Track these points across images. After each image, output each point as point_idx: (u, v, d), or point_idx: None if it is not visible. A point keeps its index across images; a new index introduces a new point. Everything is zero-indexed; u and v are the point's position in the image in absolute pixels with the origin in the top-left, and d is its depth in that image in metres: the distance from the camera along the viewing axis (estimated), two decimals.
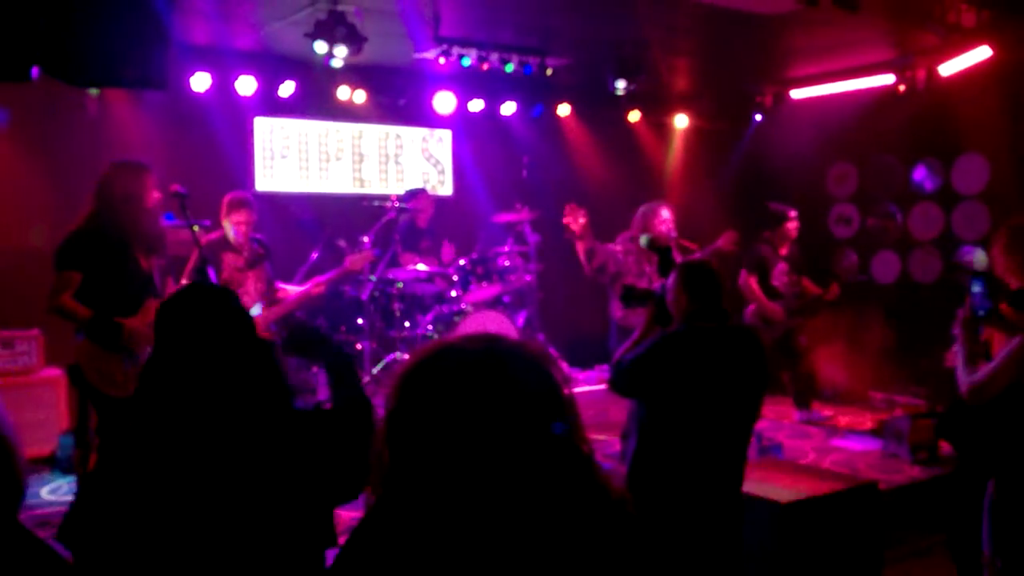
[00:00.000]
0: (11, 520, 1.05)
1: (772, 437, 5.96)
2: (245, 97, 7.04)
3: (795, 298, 6.79)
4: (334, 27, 5.61)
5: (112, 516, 1.78)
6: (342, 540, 1.45)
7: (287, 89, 7.14)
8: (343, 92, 7.36)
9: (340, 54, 5.73)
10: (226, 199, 5.65)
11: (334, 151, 7.96)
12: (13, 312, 5.68)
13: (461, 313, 6.59)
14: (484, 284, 6.90)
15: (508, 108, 8.26)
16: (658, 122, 9.18)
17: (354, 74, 7.16)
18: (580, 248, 5.86)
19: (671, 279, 3.38)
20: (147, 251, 4.47)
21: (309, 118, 7.73)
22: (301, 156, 7.78)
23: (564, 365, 7.44)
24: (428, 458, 1.28)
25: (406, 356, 6.52)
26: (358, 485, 2.02)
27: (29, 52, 4.02)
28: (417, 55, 6.86)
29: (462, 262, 6.88)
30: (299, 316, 6.80)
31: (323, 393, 6.66)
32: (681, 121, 9.13)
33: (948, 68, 6.94)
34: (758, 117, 8.58)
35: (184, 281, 5.33)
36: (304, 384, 6.59)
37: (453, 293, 6.76)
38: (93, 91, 6.40)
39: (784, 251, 6.85)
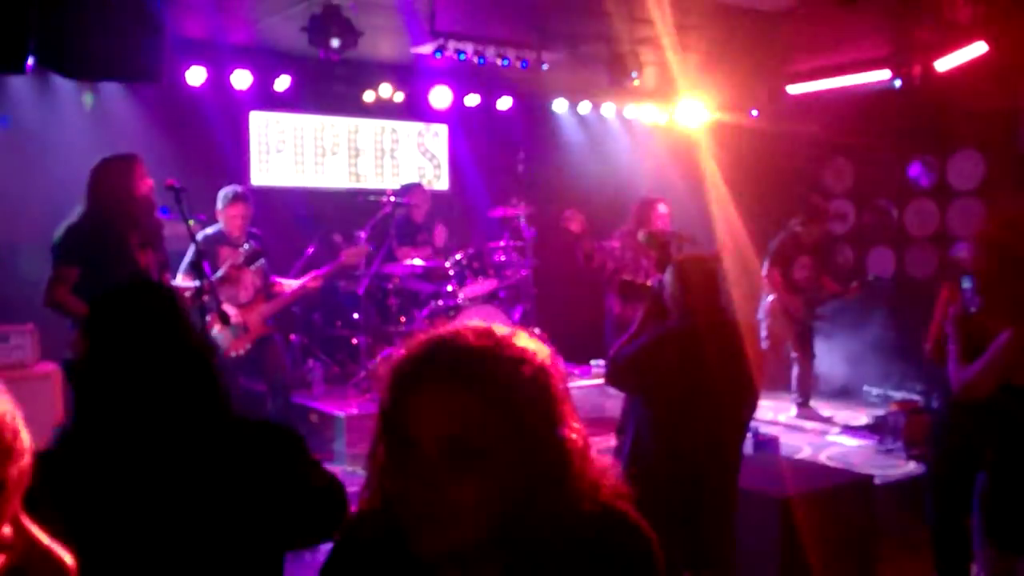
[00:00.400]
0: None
1: (768, 432, 5.97)
2: (240, 91, 7.01)
3: (815, 293, 6.77)
4: (330, 21, 5.59)
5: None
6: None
7: (282, 83, 7.12)
8: (339, 87, 7.35)
9: (335, 48, 5.72)
10: (222, 193, 5.65)
11: (330, 146, 7.95)
12: (7, 306, 5.67)
13: (457, 308, 6.58)
14: (480, 279, 6.90)
15: (504, 103, 8.24)
16: (655, 117, 9.17)
17: (350, 69, 7.15)
18: (579, 250, 5.86)
19: (668, 274, 3.38)
20: (143, 243, 4.46)
21: (305, 112, 7.71)
22: (297, 150, 7.76)
23: (560, 360, 7.42)
24: (411, 448, 1.27)
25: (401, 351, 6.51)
26: (315, 523, 1.80)
27: (24, 44, 4.01)
28: (413, 50, 6.85)
29: (458, 256, 6.87)
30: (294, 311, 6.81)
31: (318, 389, 6.67)
32: (678, 116, 9.12)
33: (944, 64, 6.94)
34: (755, 113, 8.58)
35: (181, 276, 5.32)
36: (300, 380, 6.60)
37: (449, 288, 6.75)
38: (87, 100, 6.39)
39: (808, 244, 6.82)
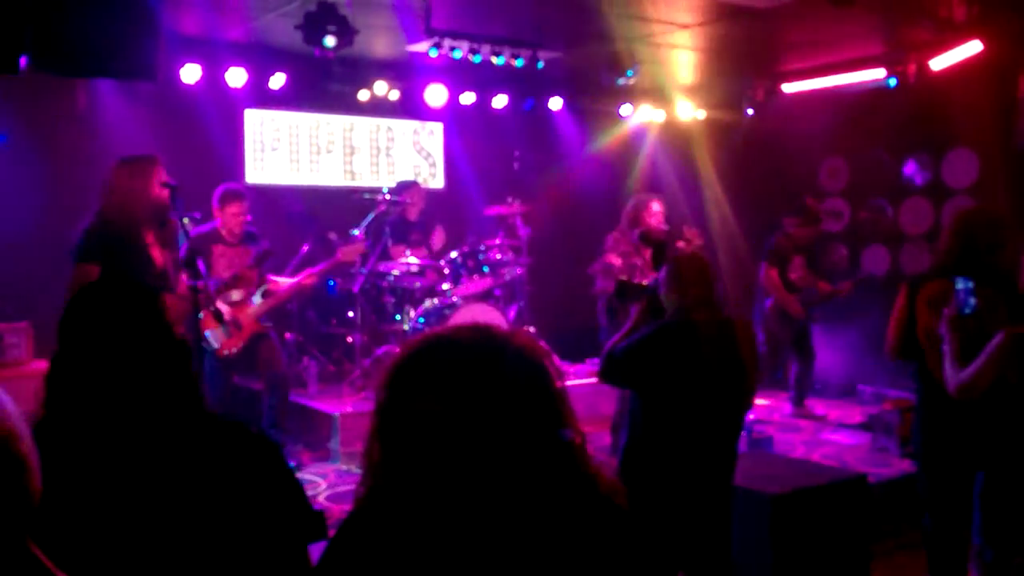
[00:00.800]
0: (20, 542, 1.03)
1: (762, 430, 5.98)
2: (235, 89, 7.00)
3: (810, 292, 6.79)
4: (325, 19, 5.58)
5: None
6: (332, 533, 1.45)
7: (278, 81, 7.11)
8: (334, 85, 7.34)
9: (331, 45, 5.71)
10: (219, 191, 5.64)
11: (325, 144, 7.94)
12: (2, 305, 5.66)
13: (452, 306, 6.58)
14: (475, 277, 6.89)
15: (500, 101, 8.24)
16: (650, 116, 9.18)
17: (345, 67, 7.14)
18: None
19: (663, 272, 3.39)
20: (159, 243, 4.55)
21: (300, 110, 7.70)
22: (292, 148, 7.75)
23: (555, 358, 7.43)
24: (418, 450, 1.28)
25: (397, 349, 6.52)
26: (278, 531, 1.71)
27: (17, 43, 3.99)
28: (409, 47, 6.84)
29: (453, 254, 6.87)
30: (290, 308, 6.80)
31: (313, 387, 6.67)
32: (674, 115, 9.13)
33: (939, 63, 6.95)
34: (750, 111, 8.58)
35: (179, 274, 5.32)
36: (296, 378, 6.59)
37: (444, 286, 6.75)
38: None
39: (800, 244, 6.84)
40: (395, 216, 6.96)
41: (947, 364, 3.10)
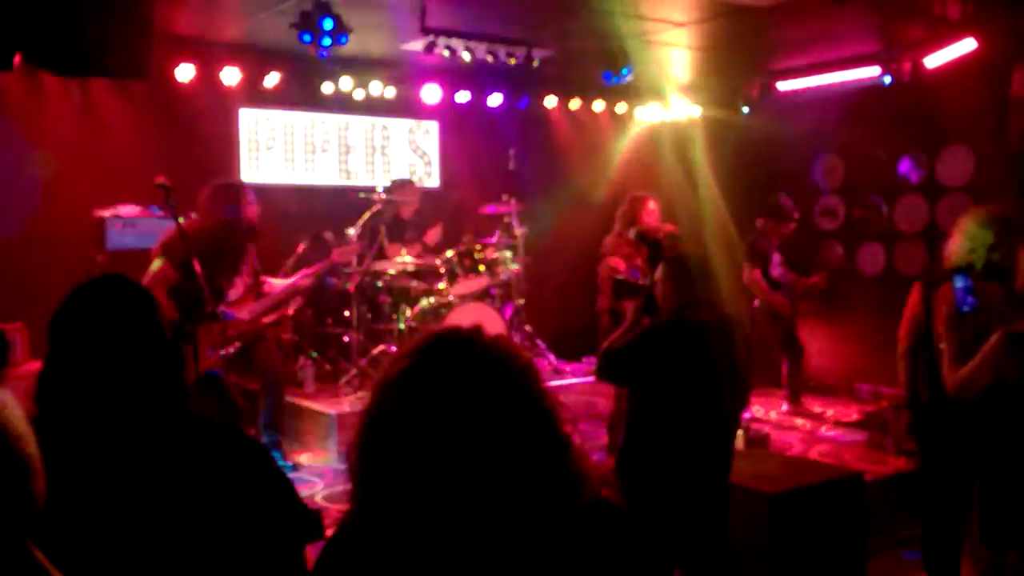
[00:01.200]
0: (21, 543, 1.02)
1: (759, 428, 5.99)
2: (230, 88, 6.99)
3: (793, 288, 6.81)
4: (320, 18, 5.57)
5: None
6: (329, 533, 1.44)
7: (272, 80, 7.10)
8: (329, 84, 7.33)
9: (325, 44, 5.69)
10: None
11: (320, 142, 7.92)
12: None
13: (448, 306, 6.57)
14: (471, 276, 6.89)
15: (495, 100, 8.23)
16: (645, 114, 9.18)
17: (340, 65, 7.12)
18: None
19: (659, 271, 3.39)
20: (240, 264, 5.02)
21: (295, 109, 7.68)
22: (287, 147, 7.73)
23: (552, 357, 7.45)
24: (409, 459, 1.26)
25: (393, 348, 6.51)
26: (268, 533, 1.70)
27: (11, 40, 3.98)
28: (403, 46, 6.83)
29: (449, 253, 6.86)
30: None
31: (309, 387, 6.65)
32: (669, 113, 9.13)
33: (934, 60, 6.95)
34: (745, 109, 8.59)
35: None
36: (292, 378, 6.57)
37: (440, 285, 6.75)
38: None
39: (776, 242, 6.89)
40: (390, 215, 6.96)
41: (945, 363, 3.10)
